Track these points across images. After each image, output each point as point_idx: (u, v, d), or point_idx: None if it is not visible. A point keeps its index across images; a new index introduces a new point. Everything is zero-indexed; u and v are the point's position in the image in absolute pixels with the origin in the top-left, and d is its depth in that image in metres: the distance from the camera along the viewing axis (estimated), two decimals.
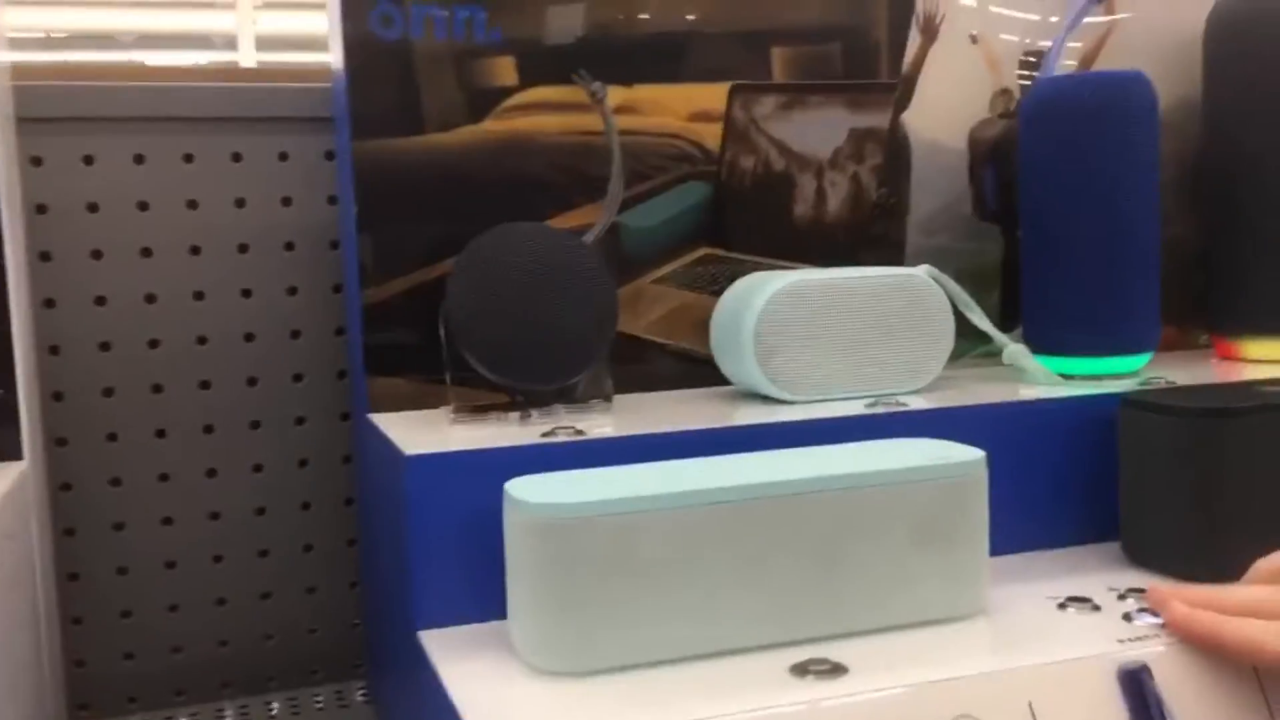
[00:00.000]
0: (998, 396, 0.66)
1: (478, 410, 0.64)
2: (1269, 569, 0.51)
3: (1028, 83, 0.80)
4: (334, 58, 0.72)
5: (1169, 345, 0.80)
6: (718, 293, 0.70)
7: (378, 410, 0.69)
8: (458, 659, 0.51)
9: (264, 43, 2.74)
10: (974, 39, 0.79)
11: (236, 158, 0.80)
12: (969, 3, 0.79)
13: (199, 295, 0.80)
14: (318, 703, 0.81)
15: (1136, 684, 0.48)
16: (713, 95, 0.75)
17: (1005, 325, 0.74)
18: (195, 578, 0.81)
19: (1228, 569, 0.53)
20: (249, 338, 0.81)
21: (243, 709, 0.80)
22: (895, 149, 0.78)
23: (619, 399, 0.67)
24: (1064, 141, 0.71)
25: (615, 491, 0.48)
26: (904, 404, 0.65)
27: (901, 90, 0.78)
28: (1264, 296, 0.79)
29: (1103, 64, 0.82)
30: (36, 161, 0.76)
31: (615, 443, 0.58)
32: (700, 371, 0.73)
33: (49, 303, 0.77)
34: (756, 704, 0.44)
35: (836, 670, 0.47)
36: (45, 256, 0.77)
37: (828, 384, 0.67)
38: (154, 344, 0.79)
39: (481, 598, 0.54)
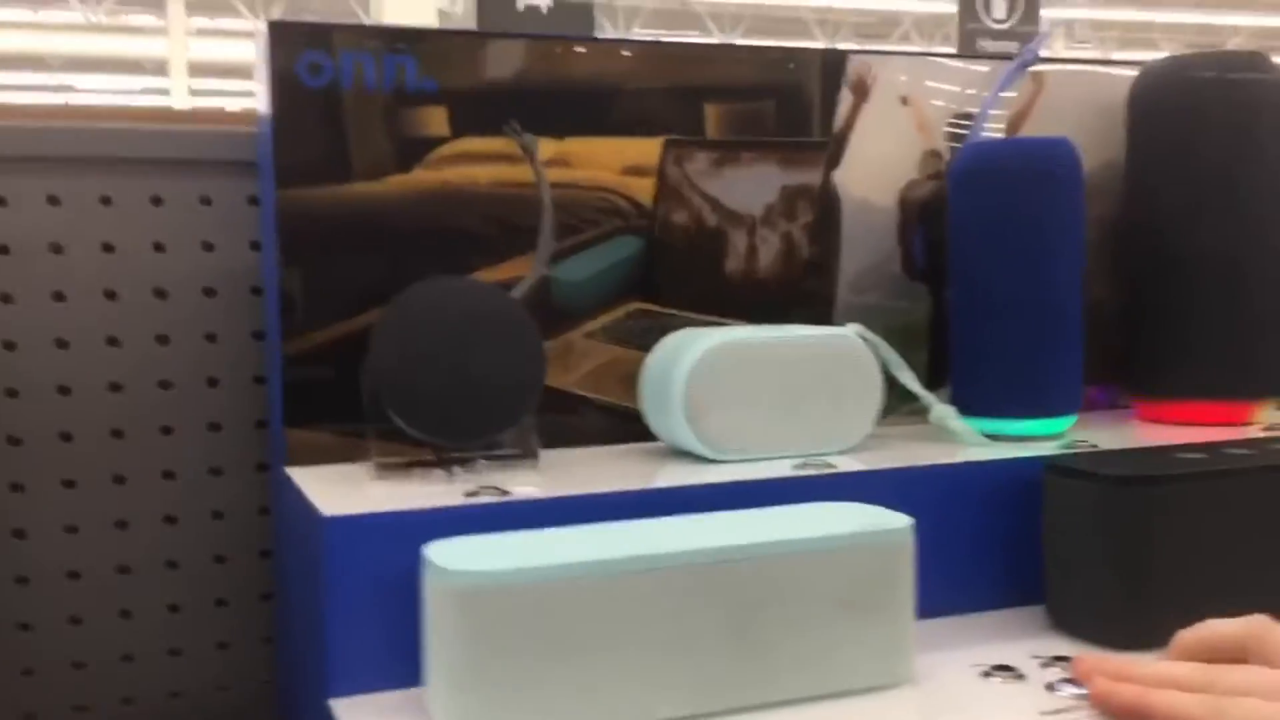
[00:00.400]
0: (924, 458, 0.66)
1: (400, 467, 0.63)
2: (1193, 640, 0.50)
3: (957, 145, 0.81)
4: (260, 103, 0.71)
5: (1091, 406, 0.81)
6: (647, 347, 0.70)
7: (297, 462, 0.67)
8: None
9: (196, 69, 2.72)
10: (904, 101, 0.80)
11: (157, 201, 0.78)
12: (900, 65, 0.80)
13: (113, 341, 0.77)
14: None
15: None
16: (645, 150, 0.75)
17: (932, 383, 0.74)
18: (102, 632, 0.78)
19: (1151, 637, 0.54)
20: (165, 385, 0.78)
21: None
22: (826, 207, 0.79)
23: (546, 454, 0.66)
24: (991, 205, 0.72)
25: (537, 559, 0.47)
26: (832, 465, 0.64)
27: (833, 149, 0.79)
28: (1185, 359, 0.80)
29: (1030, 129, 0.83)
30: None
31: (539, 504, 0.57)
32: (629, 427, 0.72)
33: None
34: None
35: None
36: None
37: (756, 443, 0.66)
38: (64, 390, 0.76)
39: (399, 663, 0.52)
